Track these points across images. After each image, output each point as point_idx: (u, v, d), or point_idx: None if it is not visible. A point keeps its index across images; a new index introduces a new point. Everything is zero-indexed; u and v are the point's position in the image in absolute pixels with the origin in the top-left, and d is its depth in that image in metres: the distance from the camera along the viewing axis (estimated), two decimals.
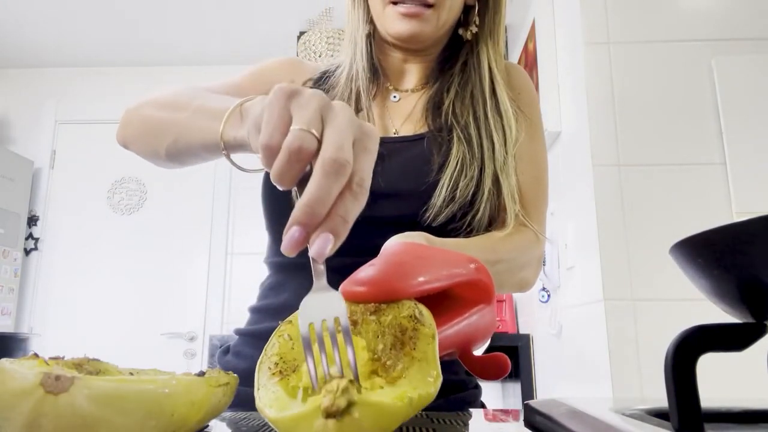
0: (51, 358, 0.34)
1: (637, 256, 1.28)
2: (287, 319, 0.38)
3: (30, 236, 2.97)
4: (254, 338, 0.71)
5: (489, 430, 0.45)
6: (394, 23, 0.71)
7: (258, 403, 0.33)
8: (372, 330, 0.36)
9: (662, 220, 1.29)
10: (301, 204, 0.32)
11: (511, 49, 2.58)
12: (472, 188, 0.68)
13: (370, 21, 0.77)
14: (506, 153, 0.72)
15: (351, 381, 0.29)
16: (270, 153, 0.34)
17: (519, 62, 2.21)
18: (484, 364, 0.44)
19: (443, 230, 0.67)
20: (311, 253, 0.33)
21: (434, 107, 0.75)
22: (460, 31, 0.77)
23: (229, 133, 0.46)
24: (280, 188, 0.34)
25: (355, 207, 0.34)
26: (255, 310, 0.75)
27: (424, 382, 0.32)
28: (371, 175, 0.36)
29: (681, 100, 1.36)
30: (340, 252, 0.61)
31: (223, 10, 2.69)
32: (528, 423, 0.41)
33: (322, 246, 0.32)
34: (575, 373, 1.56)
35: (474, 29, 0.76)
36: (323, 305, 0.33)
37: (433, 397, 0.32)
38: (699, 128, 1.34)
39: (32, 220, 2.99)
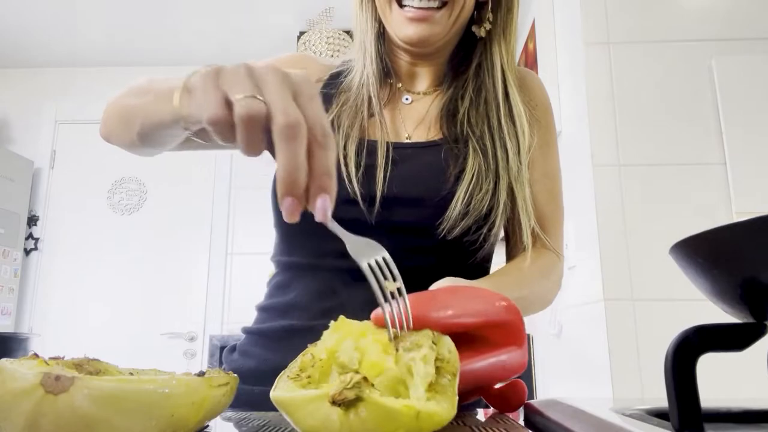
0: (51, 358, 0.34)
1: (637, 256, 1.28)
2: (314, 342, 0.39)
3: (30, 236, 2.97)
4: (262, 337, 0.70)
5: (489, 430, 0.44)
6: (401, 27, 0.69)
7: (272, 397, 0.34)
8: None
9: (662, 220, 1.29)
10: (279, 178, 0.35)
11: None
12: (487, 201, 0.67)
13: (379, 20, 0.75)
14: (520, 162, 0.71)
15: (365, 378, 0.30)
16: (218, 127, 0.36)
17: (519, 62, 2.21)
18: (503, 395, 0.45)
19: (459, 243, 0.66)
20: (317, 218, 0.36)
21: (448, 114, 0.74)
22: (474, 29, 0.75)
23: (184, 111, 0.46)
24: (252, 157, 0.37)
25: (328, 156, 0.36)
26: (262, 309, 0.74)
27: (437, 405, 0.31)
28: (326, 116, 0.37)
29: (681, 100, 1.36)
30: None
31: (224, 10, 2.69)
32: (528, 423, 0.41)
33: (321, 208, 0.36)
34: (575, 373, 1.56)
35: (488, 26, 0.74)
36: (368, 248, 0.38)
37: (442, 425, 0.32)
38: (699, 128, 1.34)
39: (32, 220, 2.99)
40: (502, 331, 0.43)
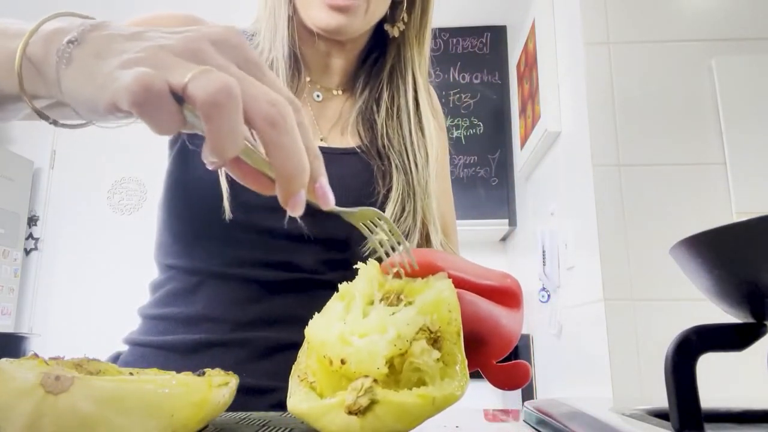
0: (51, 358, 0.34)
1: (637, 256, 1.28)
2: (306, 339, 0.40)
3: (30, 236, 2.97)
4: (163, 350, 0.63)
5: (489, 430, 0.45)
6: (320, 14, 0.64)
7: (290, 408, 0.35)
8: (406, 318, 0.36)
9: (662, 220, 1.29)
10: (288, 173, 0.30)
11: (511, 49, 2.58)
12: (410, 222, 0.67)
13: (291, 2, 0.69)
14: (428, 175, 0.71)
15: (375, 380, 0.31)
16: (152, 110, 0.28)
17: (519, 62, 2.21)
18: (505, 373, 0.45)
19: (374, 259, 0.67)
20: (324, 207, 0.34)
21: (365, 122, 0.72)
22: (386, 27, 0.73)
23: (30, 86, 0.35)
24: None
25: (309, 131, 0.32)
26: (158, 318, 0.66)
27: (450, 385, 0.32)
28: (281, 83, 0.33)
29: (681, 100, 1.36)
30: (270, 265, 0.59)
31: (226, 10, 2.69)
32: (528, 423, 0.41)
33: (326, 193, 0.33)
34: (575, 373, 1.56)
35: (401, 26, 0.73)
36: (368, 213, 0.39)
37: (459, 399, 0.32)
38: (699, 128, 1.34)
39: (32, 220, 2.99)
40: (502, 296, 0.44)
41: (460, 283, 0.40)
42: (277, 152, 0.29)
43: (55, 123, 0.37)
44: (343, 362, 0.33)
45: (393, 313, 0.35)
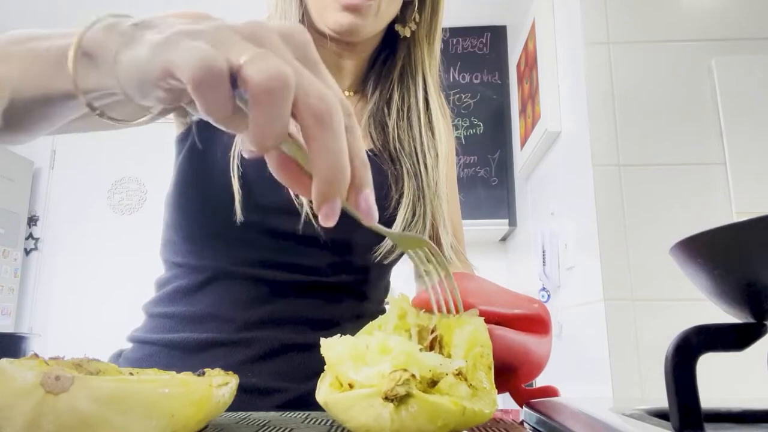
0: (51, 358, 0.34)
1: (637, 256, 1.28)
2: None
3: (30, 236, 2.97)
4: (168, 348, 0.63)
5: (489, 430, 0.44)
6: (333, 14, 0.64)
7: (320, 397, 0.36)
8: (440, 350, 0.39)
9: (662, 220, 1.29)
10: (322, 177, 0.28)
11: (511, 49, 2.58)
12: (420, 226, 0.67)
13: (302, 6, 0.69)
14: (438, 176, 0.71)
15: (413, 375, 0.32)
16: (214, 96, 0.28)
17: (519, 62, 2.21)
18: (534, 397, 0.45)
19: (385, 264, 0.67)
20: (365, 222, 0.31)
21: (377, 125, 0.73)
22: (397, 27, 0.73)
23: (84, 81, 0.35)
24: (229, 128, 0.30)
25: (358, 139, 0.30)
26: (163, 316, 0.66)
27: (479, 403, 0.34)
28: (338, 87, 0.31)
29: (681, 100, 1.36)
30: (278, 266, 0.58)
31: (229, 10, 2.69)
32: (528, 423, 0.41)
33: (368, 207, 0.31)
34: (575, 373, 1.56)
35: (413, 26, 0.73)
36: (412, 240, 0.37)
37: (484, 421, 0.34)
38: (699, 128, 1.34)
39: (32, 220, 2.99)
40: (530, 323, 0.45)
41: (490, 316, 0.41)
42: (318, 149, 0.28)
43: (101, 114, 0.36)
44: (351, 386, 0.35)
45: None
